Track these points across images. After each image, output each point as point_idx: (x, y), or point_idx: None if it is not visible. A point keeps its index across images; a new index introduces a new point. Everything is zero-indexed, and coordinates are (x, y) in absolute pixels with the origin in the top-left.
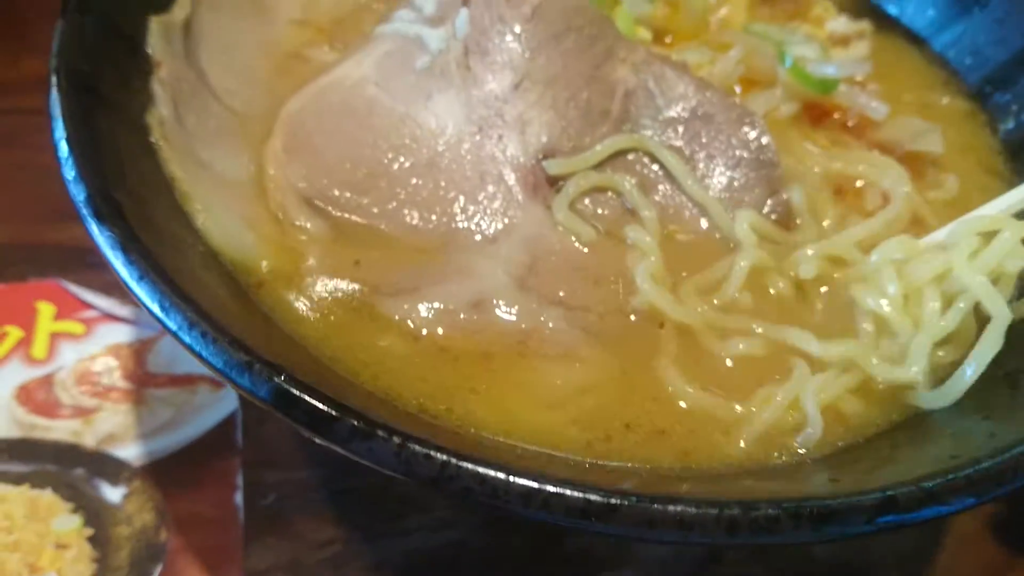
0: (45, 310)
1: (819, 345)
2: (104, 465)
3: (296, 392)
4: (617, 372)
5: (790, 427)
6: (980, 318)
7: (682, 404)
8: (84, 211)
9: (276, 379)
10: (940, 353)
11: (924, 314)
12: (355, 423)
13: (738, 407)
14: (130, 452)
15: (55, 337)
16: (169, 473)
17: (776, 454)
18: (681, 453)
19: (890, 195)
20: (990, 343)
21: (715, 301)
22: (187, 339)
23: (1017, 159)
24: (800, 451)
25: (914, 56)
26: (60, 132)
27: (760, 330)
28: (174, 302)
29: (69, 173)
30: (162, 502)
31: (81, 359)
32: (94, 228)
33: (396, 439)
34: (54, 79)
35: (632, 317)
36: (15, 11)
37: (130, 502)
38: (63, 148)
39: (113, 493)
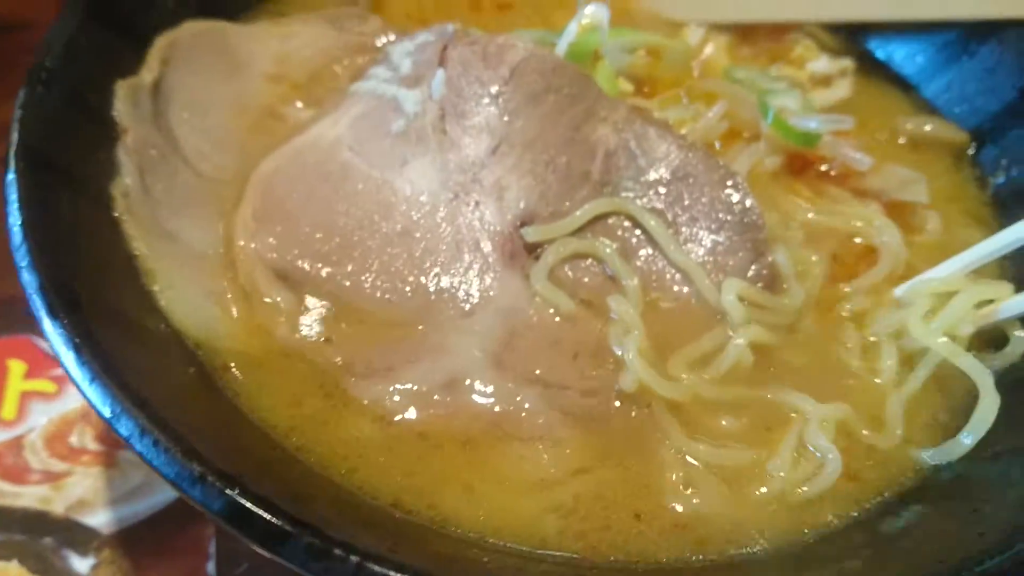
0: (16, 368)
1: (816, 408)
2: (73, 534)
3: (249, 506)
4: (601, 455)
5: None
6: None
7: (684, 489)
8: (35, 303)
9: (229, 492)
10: None
11: (882, 369)
12: (310, 541)
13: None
14: (100, 519)
15: (25, 396)
16: (140, 541)
17: (804, 530)
18: (695, 542)
19: (880, 250)
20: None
21: (706, 377)
22: (138, 447)
23: (1004, 213)
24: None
25: (903, 101)
26: (15, 217)
27: (760, 394)
28: (125, 408)
29: (22, 261)
30: (132, 572)
31: (51, 420)
32: (46, 323)
33: (354, 558)
34: (11, 158)
35: (615, 395)
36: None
37: (99, 573)
38: (16, 235)
39: (82, 564)
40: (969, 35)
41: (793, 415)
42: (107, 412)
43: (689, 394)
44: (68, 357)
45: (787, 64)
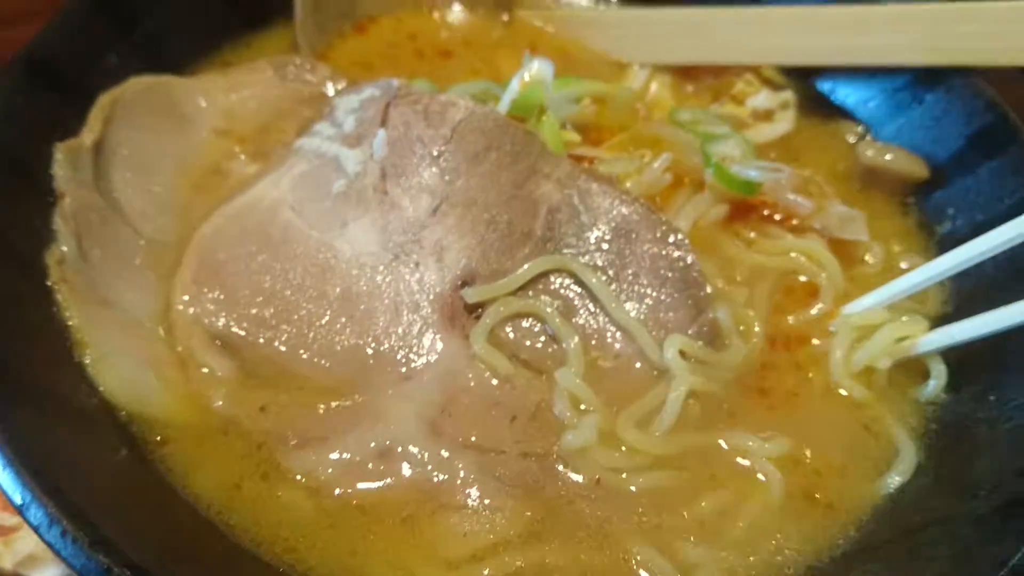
0: None
1: (762, 447)
2: None
3: None
4: (539, 521)
5: None
6: None
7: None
8: None
9: None
10: None
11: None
12: None
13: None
14: (50, 574)
15: None
16: None
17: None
18: None
19: (820, 287)
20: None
21: (656, 433)
22: (46, 537)
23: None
24: None
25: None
26: None
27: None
28: (36, 496)
29: None
30: None
31: None
32: None
33: None
34: None
35: (555, 458)
36: None
37: None
38: None
39: None
40: (917, 83)
41: (739, 458)
42: (17, 500)
43: (637, 462)
44: None
45: (729, 100)
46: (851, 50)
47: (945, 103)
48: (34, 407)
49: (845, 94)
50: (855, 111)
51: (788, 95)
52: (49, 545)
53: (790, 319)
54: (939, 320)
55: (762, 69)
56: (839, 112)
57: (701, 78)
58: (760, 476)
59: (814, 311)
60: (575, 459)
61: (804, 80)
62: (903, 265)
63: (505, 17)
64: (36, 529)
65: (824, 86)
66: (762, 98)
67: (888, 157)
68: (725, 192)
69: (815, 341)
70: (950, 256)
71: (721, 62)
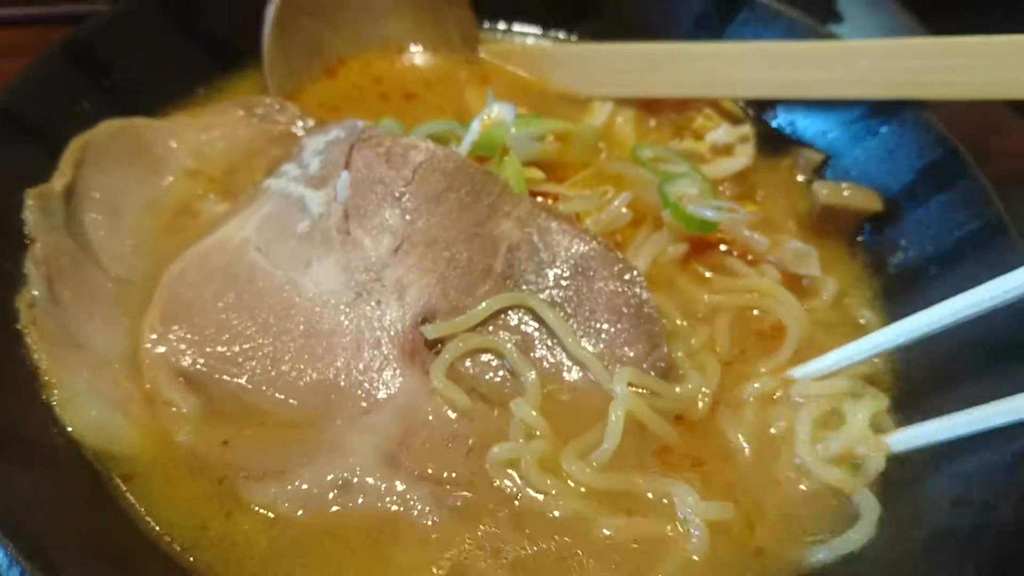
0: None
1: (698, 504)
2: None
3: None
4: (489, 555)
5: None
6: None
7: None
8: None
9: None
10: None
11: (776, 471)
12: None
13: None
14: None
15: None
16: None
17: None
18: None
19: (785, 329)
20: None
21: (594, 463)
22: None
23: (901, 290)
24: None
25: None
26: None
27: (643, 487)
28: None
29: None
30: None
31: None
32: None
33: None
34: None
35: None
36: None
37: None
38: None
39: None
40: (873, 115)
41: (664, 501)
42: None
43: (576, 505)
44: None
45: (690, 135)
46: (807, 84)
47: (898, 136)
48: (2, 448)
49: (804, 126)
50: (814, 142)
51: (747, 129)
52: None
53: (748, 365)
54: (892, 389)
55: (722, 102)
56: (797, 144)
57: (663, 112)
58: (693, 532)
59: (779, 359)
60: (502, 475)
61: (763, 114)
62: (851, 303)
63: (472, 57)
64: None
65: (783, 119)
66: (721, 132)
67: (845, 195)
68: (683, 230)
69: (776, 394)
70: (904, 324)
71: (681, 95)
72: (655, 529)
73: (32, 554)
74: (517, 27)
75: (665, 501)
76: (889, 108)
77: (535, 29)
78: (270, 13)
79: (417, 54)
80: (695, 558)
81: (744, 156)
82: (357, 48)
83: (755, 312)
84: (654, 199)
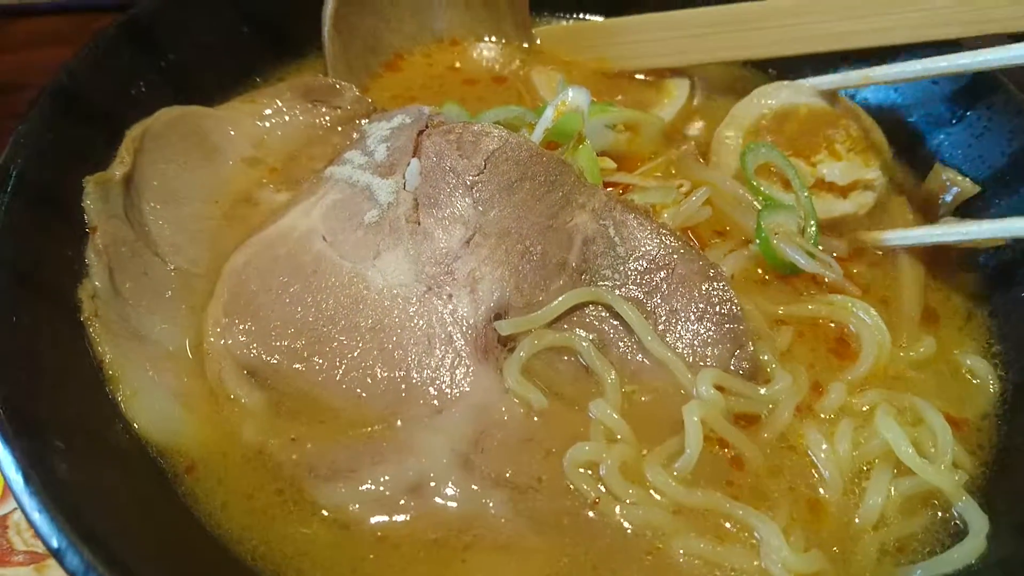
0: None
1: (788, 554)
2: None
3: None
4: (574, 564)
5: None
6: None
7: None
8: None
9: None
10: None
11: (861, 504)
12: None
13: None
14: None
15: None
16: None
17: None
18: None
19: (861, 341)
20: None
21: (675, 472)
22: None
23: (993, 286)
24: None
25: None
26: None
27: (728, 509)
28: (72, 541)
29: None
30: None
31: None
32: None
33: None
34: None
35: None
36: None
37: None
38: None
39: None
40: (956, 100)
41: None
42: (54, 544)
43: (661, 517)
44: (17, 484)
45: (812, 157)
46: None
47: (987, 120)
48: (69, 449)
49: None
50: (895, 128)
51: (875, 175)
52: None
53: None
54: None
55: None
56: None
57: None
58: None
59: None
60: (581, 480)
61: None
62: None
63: (525, 44)
64: (71, 574)
65: (860, 102)
66: (838, 170)
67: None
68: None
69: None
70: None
71: (750, 57)
72: (738, 562)
73: (108, 559)
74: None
75: (746, 534)
76: (976, 91)
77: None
78: (327, 11)
79: (473, 44)
80: None
81: (854, 205)
82: (412, 42)
83: (831, 324)
84: (742, 219)
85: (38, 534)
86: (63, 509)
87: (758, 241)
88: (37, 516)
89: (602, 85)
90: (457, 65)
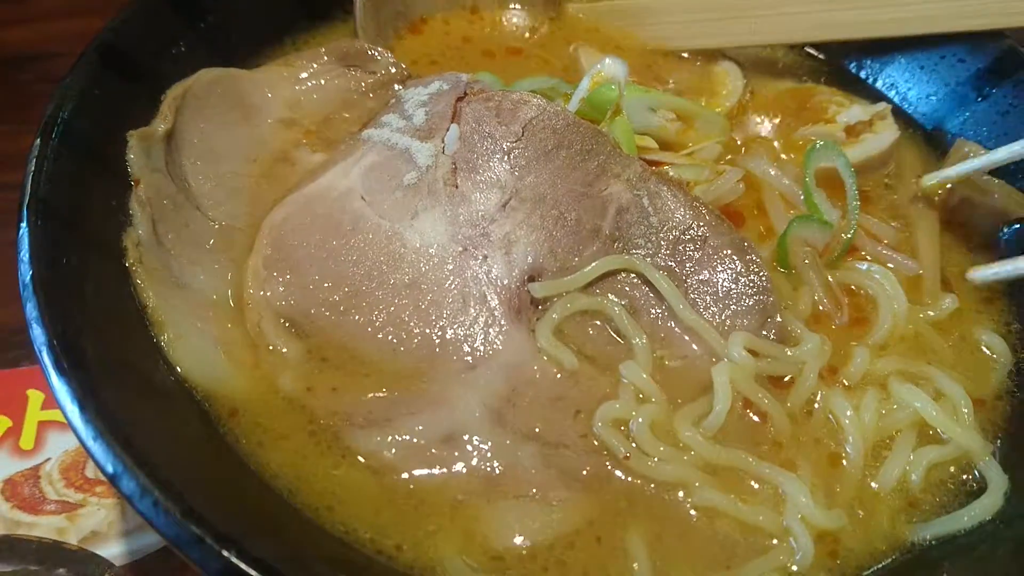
0: (34, 398)
1: (814, 510)
2: (87, 565)
3: (245, 567)
4: (597, 517)
5: None
6: None
7: None
8: (43, 359)
9: (226, 554)
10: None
11: (881, 472)
12: None
13: None
14: (113, 550)
15: (42, 426)
16: (152, 573)
17: None
18: None
19: (878, 304)
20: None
21: (702, 429)
22: (139, 507)
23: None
24: None
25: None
26: (25, 270)
27: (754, 467)
28: (128, 467)
29: (31, 315)
30: None
31: (68, 450)
32: (52, 379)
33: None
34: (24, 212)
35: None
36: (20, 83)
37: None
38: (26, 289)
39: None
40: (981, 77)
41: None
42: (110, 469)
43: (689, 473)
44: (73, 414)
45: (824, 123)
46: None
47: (1012, 99)
48: (118, 384)
49: (906, 90)
50: (917, 107)
51: (883, 106)
52: (142, 514)
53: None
54: None
55: (838, 95)
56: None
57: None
58: (791, 540)
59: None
60: (611, 437)
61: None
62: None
63: (552, 14)
64: (129, 499)
65: (883, 83)
66: (855, 111)
67: (995, 196)
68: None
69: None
70: None
71: (789, 41)
72: (763, 519)
73: (162, 484)
74: None
75: (772, 491)
76: (1003, 69)
77: None
78: None
79: (503, 11)
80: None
81: (888, 131)
82: (438, 5)
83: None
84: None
85: (94, 460)
86: (117, 437)
87: (777, 243)
88: (92, 443)
89: (652, 66)
90: (483, 32)
